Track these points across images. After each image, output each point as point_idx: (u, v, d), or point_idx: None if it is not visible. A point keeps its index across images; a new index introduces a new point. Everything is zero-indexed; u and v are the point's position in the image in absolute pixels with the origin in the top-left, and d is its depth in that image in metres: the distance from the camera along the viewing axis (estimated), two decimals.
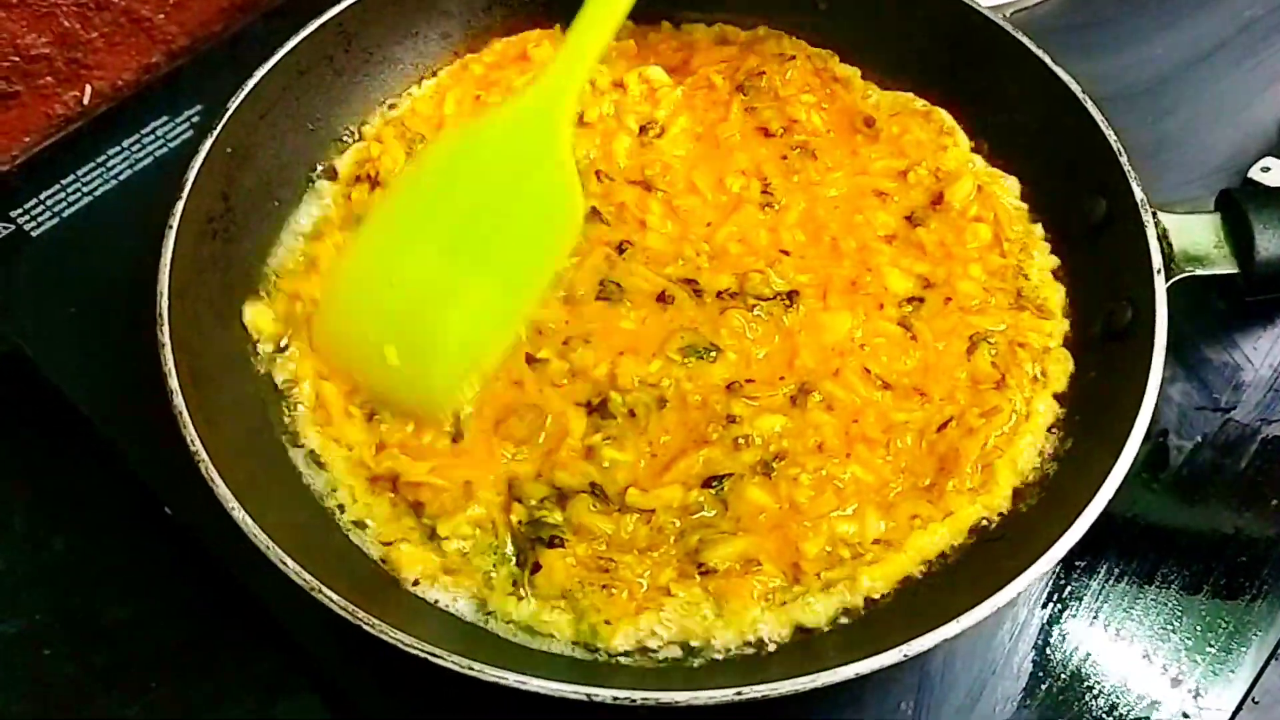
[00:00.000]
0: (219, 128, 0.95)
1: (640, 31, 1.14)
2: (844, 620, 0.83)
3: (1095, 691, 0.89)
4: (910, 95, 1.10)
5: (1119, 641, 0.91)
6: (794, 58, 1.11)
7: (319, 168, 1.06)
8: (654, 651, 0.81)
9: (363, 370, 0.92)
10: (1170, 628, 0.91)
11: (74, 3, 1.13)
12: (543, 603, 0.83)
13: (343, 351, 0.93)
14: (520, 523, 0.85)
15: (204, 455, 0.78)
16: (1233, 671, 0.89)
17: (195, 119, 1.17)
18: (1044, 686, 0.89)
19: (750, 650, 0.81)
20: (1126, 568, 0.94)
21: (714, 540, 0.84)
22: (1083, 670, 0.89)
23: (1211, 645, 0.90)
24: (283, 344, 0.95)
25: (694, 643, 0.82)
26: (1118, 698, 0.88)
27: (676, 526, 0.85)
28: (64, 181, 1.13)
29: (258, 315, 0.96)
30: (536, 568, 0.83)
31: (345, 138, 1.08)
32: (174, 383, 0.82)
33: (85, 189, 1.13)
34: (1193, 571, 0.94)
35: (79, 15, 1.15)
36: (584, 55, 0.93)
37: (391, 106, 1.11)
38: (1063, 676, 0.89)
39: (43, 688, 0.90)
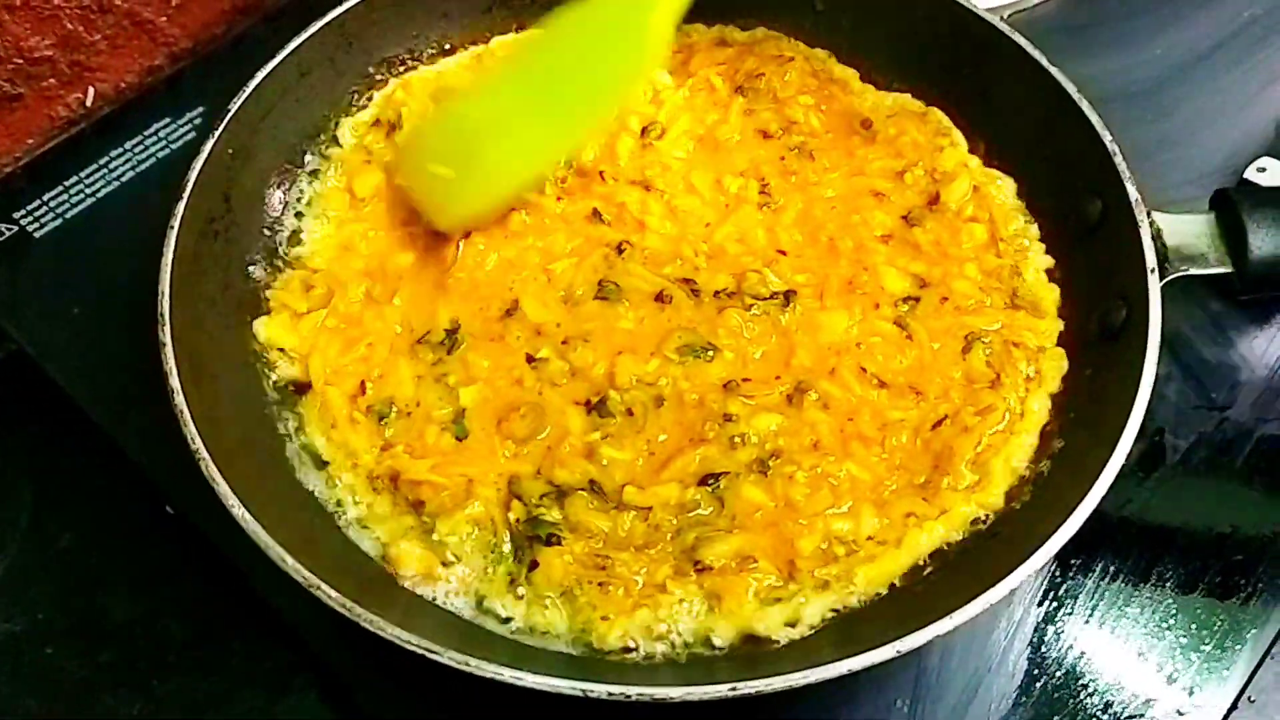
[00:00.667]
0: (221, 128, 0.95)
1: None
2: (839, 617, 0.83)
3: (1090, 689, 0.89)
4: (907, 96, 1.10)
5: (1114, 639, 0.91)
6: (792, 59, 1.12)
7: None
8: (649, 648, 0.81)
9: (416, 182, 1.01)
10: (1165, 625, 0.91)
11: (77, 5, 1.14)
12: (540, 600, 0.83)
13: (409, 172, 1.02)
14: (519, 520, 0.86)
15: (205, 454, 0.79)
16: (1227, 669, 0.89)
17: (197, 121, 1.18)
18: (1039, 684, 0.89)
19: (745, 646, 0.82)
20: (1122, 566, 0.94)
21: (710, 538, 0.85)
22: (1078, 668, 0.90)
23: (1206, 643, 0.91)
24: (287, 349, 0.96)
25: (689, 639, 0.82)
26: (1112, 695, 0.88)
27: (673, 524, 0.86)
28: (67, 183, 1.14)
29: (267, 326, 0.97)
30: (534, 565, 0.83)
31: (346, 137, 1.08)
32: (175, 382, 0.82)
33: (88, 190, 1.14)
34: (1188, 570, 0.94)
35: (82, 18, 1.16)
36: None
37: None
38: (1057, 674, 0.89)
39: (48, 685, 0.90)
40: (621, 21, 0.97)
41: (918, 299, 0.98)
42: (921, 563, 0.86)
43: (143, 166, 1.16)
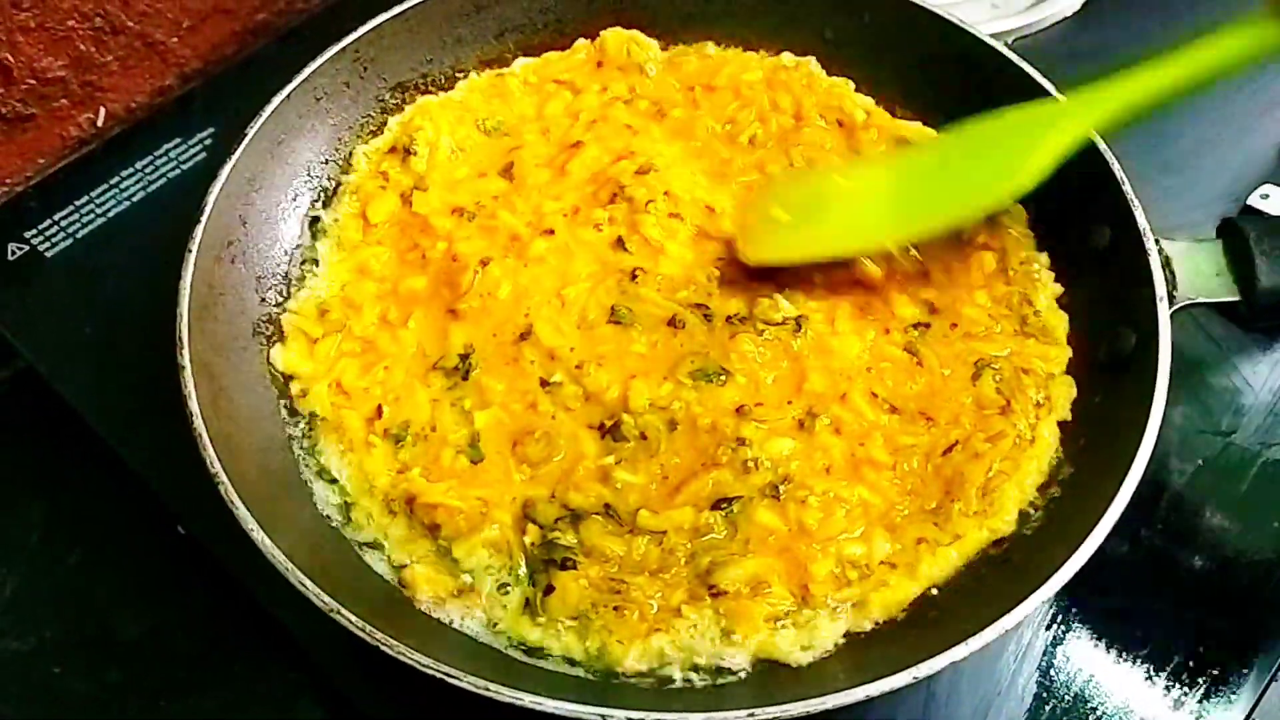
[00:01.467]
0: (238, 152, 0.96)
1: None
2: (852, 640, 0.84)
3: (1099, 713, 0.89)
4: (919, 125, 1.11)
5: (1121, 663, 0.91)
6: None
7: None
8: (664, 672, 0.82)
9: (752, 218, 1.03)
10: (1172, 649, 0.91)
11: (90, 27, 1.15)
12: (555, 623, 0.83)
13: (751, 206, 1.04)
14: (534, 544, 0.86)
15: (223, 477, 0.79)
16: (1234, 693, 0.89)
17: (208, 141, 1.19)
18: (1048, 708, 0.89)
19: (760, 669, 0.82)
20: (1130, 590, 0.94)
21: (724, 562, 0.85)
22: (1086, 692, 0.90)
23: (1213, 667, 0.91)
24: (302, 381, 0.96)
25: (704, 663, 0.82)
26: (1120, 718, 0.89)
27: (687, 548, 0.86)
28: (78, 202, 1.14)
29: (283, 352, 0.97)
30: (550, 589, 0.84)
31: (361, 163, 1.09)
32: (194, 405, 0.82)
33: (99, 210, 1.14)
34: (1195, 594, 0.95)
35: (94, 39, 1.17)
36: (1122, 99, 0.95)
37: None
38: (1066, 698, 0.90)
39: (56, 703, 0.90)
40: (1011, 141, 0.98)
41: (928, 325, 0.98)
42: (935, 588, 0.86)
43: (153, 187, 1.16)
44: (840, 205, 1.02)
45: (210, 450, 0.80)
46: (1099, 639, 0.92)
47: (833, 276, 1.00)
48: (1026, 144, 0.96)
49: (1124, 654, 0.92)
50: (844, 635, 0.84)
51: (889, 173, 1.03)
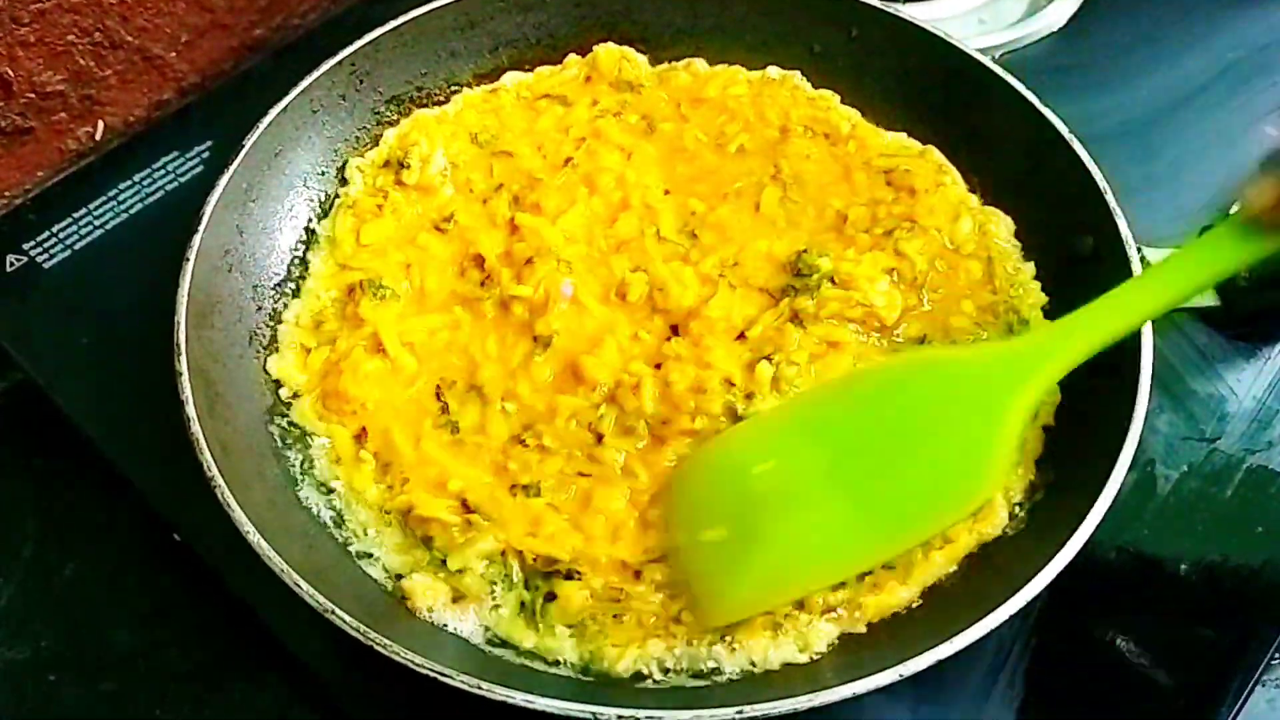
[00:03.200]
0: (235, 163, 0.96)
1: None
2: (843, 641, 0.85)
3: (1084, 715, 0.90)
4: (904, 136, 1.12)
5: (1106, 667, 0.92)
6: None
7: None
8: (659, 674, 0.82)
9: (676, 534, 0.85)
10: (1157, 654, 0.92)
11: (89, 41, 1.16)
12: (551, 629, 0.84)
13: (670, 511, 0.87)
14: (536, 558, 0.86)
15: (220, 481, 0.79)
16: (1219, 697, 0.90)
17: (205, 155, 1.19)
18: (1033, 710, 0.90)
19: (752, 671, 0.83)
20: (1115, 594, 0.95)
21: None
22: (1071, 694, 0.91)
23: (1197, 670, 0.91)
24: (298, 390, 0.96)
25: (698, 666, 0.83)
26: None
27: None
28: (76, 215, 1.14)
29: (278, 365, 0.97)
30: (551, 596, 0.84)
31: (355, 176, 1.09)
32: (191, 410, 0.83)
33: (97, 222, 1.14)
34: (1180, 599, 0.95)
35: (94, 53, 1.17)
36: (1096, 335, 0.82)
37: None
38: (1053, 699, 0.90)
39: (50, 715, 0.90)
40: (976, 398, 0.82)
41: (924, 338, 0.99)
42: (923, 591, 0.87)
43: (151, 199, 1.16)
44: (782, 504, 0.83)
45: (207, 454, 0.81)
46: (1084, 642, 0.93)
47: None
48: (994, 402, 0.81)
49: (1108, 657, 0.92)
50: (835, 637, 0.85)
51: (824, 442, 0.84)
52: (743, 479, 0.85)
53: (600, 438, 0.91)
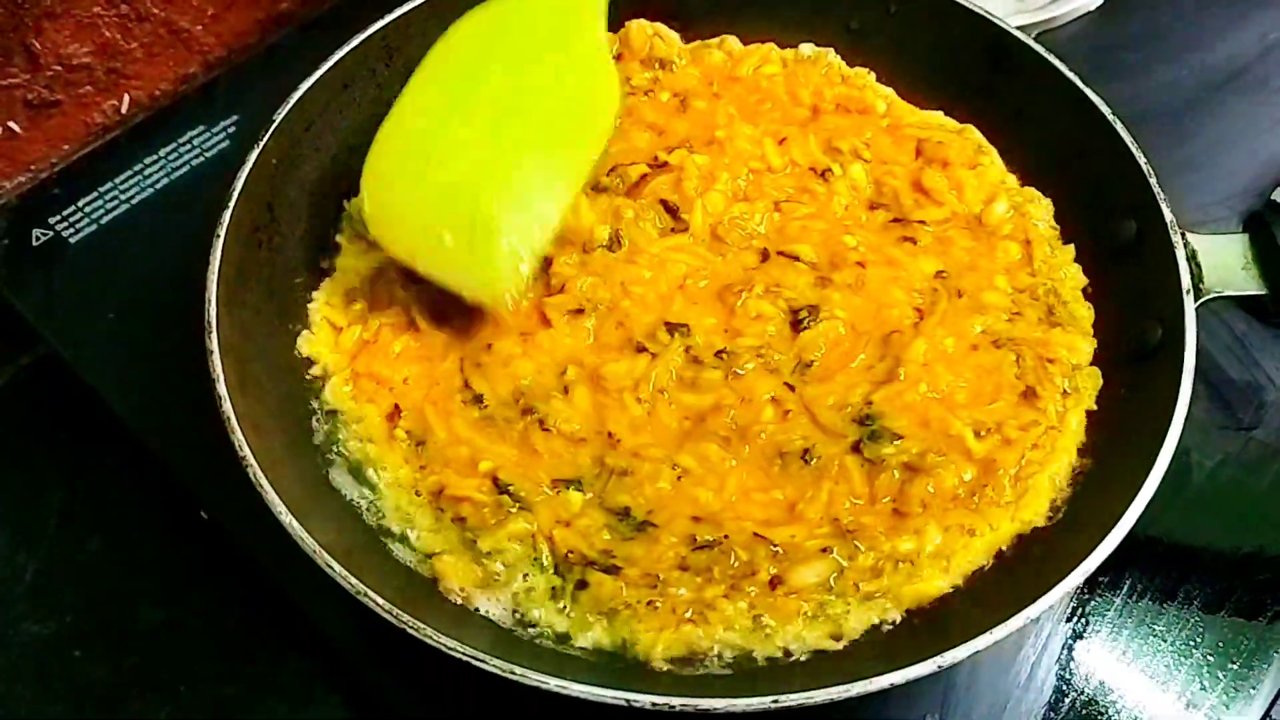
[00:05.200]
0: (265, 138, 0.95)
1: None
2: (878, 629, 0.84)
3: (1116, 707, 0.89)
4: (941, 114, 1.11)
5: (1140, 658, 0.91)
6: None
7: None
8: (691, 661, 0.81)
9: (420, 255, 0.92)
10: (1191, 645, 0.92)
11: (116, 14, 1.15)
12: (583, 614, 0.83)
13: (398, 237, 0.93)
14: (570, 552, 0.85)
15: (252, 461, 0.79)
16: (1253, 689, 0.90)
17: (231, 129, 1.19)
18: (1066, 700, 0.89)
19: (786, 658, 0.82)
20: (1149, 585, 0.95)
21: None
22: (1105, 686, 0.90)
23: (1232, 663, 0.91)
24: (329, 369, 0.96)
25: (733, 653, 0.82)
26: (1139, 713, 0.89)
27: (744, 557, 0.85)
28: (102, 189, 1.15)
29: (309, 343, 0.96)
30: (583, 584, 0.83)
31: None
32: (222, 389, 0.82)
33: (123, 197, 1.15)
34: (1214, 589, 0.95)
35: (120, 26, 1.17)
36: None
37: None
38: (1085, 692, 0.90)
39: (75, 689, 0.91)
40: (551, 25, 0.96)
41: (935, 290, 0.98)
42: (961, 580, 0.86)
43: (177, 174, 1.16)
44: (498, 185, 0.92)
45: (239, 433, 0.80)
46: (1118, 634, 0.92)
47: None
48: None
49: (1142, 649, 0.92)
50: (871, 625, 0.83)
51: (466, 104, 0.95)
52: (433, 175, 0.93)
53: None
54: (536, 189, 0.93)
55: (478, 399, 0.92)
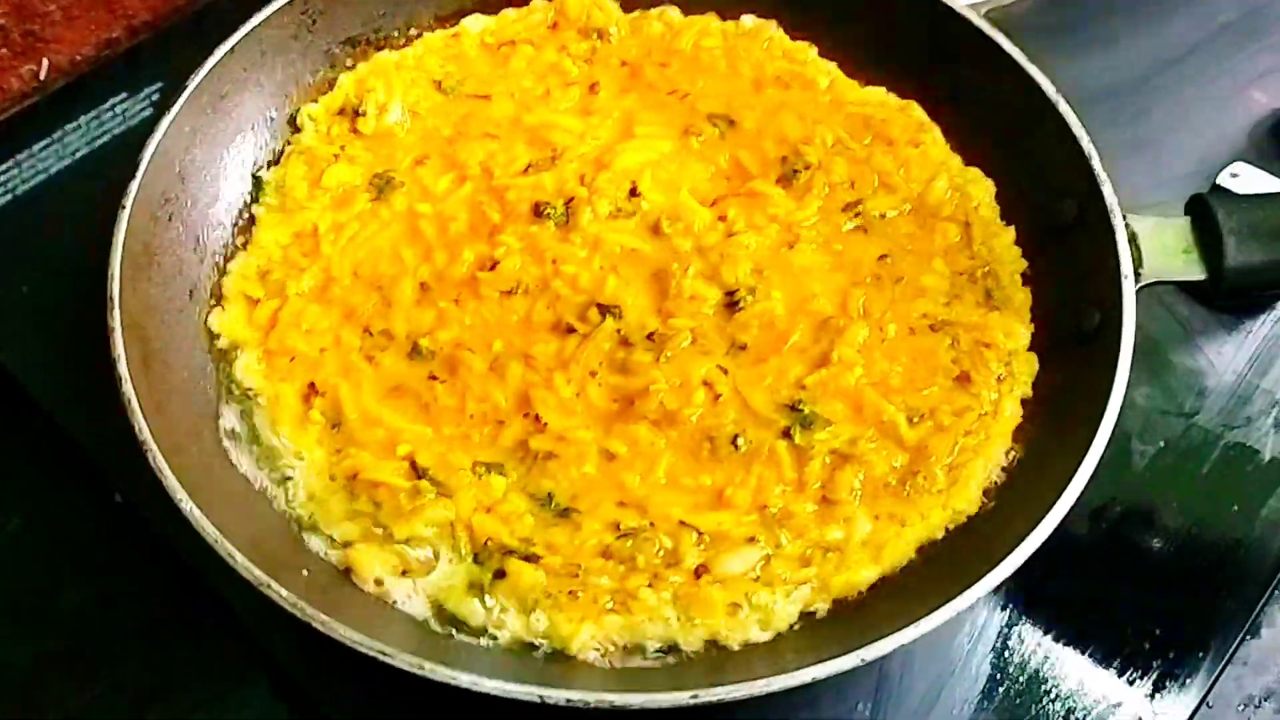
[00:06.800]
0: (178, 105, 0.93)
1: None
2: (806, 621, 0.83)
3: (1053, 694, 0.89)
4: (883, 91, 1.09)
5: (1077, 644, 0.91)
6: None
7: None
8: (613, 652, 0.81)
9: None
10: (1128, 631, 0.91)
11: None
12: (502, 604, 0.81)
13: None
14: (489, 540, 0.84)
15: (152, 445, 0.77)
16: (1189, 677, 0.89)
17: (155, 97, 1.16)
18: (1001, 689, 0.89)
19: (714, 649, 0.81)
20: (1087, 570, 0.94)
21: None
22: (1040, 673, 0.90)
23: (1169, 649, 0.90)
24: (241, 346, 0.94)
25: (657, 644, 0.81)
26: (1075, 701, 0.89)
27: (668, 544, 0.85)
28: (19, 157, 1.12)
29: (219, 319, 0.94)
30: (500, 573, 0.82)
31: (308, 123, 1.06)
32: (123, 369, 0.80)
33: (40, 166, 1.12)
34: (1152, 576, 0.94)
35: None
36: None
37: None
38: (1020, 679, 0.89)
39: None
40: None
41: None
42: (892, 569, 0.85)
43: (98, 142, 1.14)
44: None
45: (139, 415, 0.78)
46: (1054, 621, 0.92)
47: None
48: None
49: (1079, 636, 0.91)
50: (797, 616, 0.83)
51: None
52: None
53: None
54: None
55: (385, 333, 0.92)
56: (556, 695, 0.69)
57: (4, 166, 1.11)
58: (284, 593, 0.72)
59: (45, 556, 0.94)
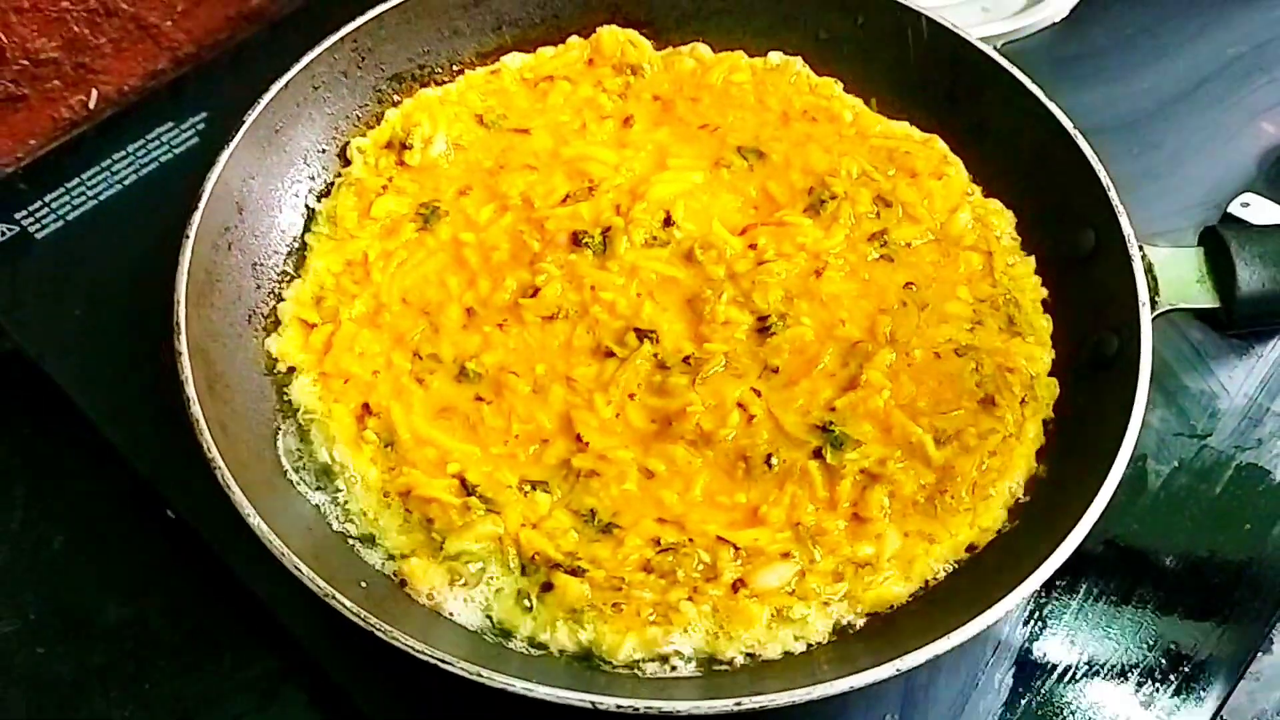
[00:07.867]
0: (236, 140, 0.96)
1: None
2: (840, 633, 0.85)
3: (1072, 708, 0.90)
4: (907, 125, 1.12)
5: (1096, 660, 0.92)
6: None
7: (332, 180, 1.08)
8: (656, 663, 0.82)
9: None
10: (1145, 647, 0.93)
11: (84, 8, 1.14)
12: (550, 616, 0.83)
13: None
14: (536, 554, 0.86)
15: (220, 463, 0.79)
16: (1204, 690, 0.91)
17: (200, 126, 1.18)
18: (1023, 702, 0.90)
19: (751, 660, 0.83)
20: (1104, 588, 0.96)
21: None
22: (1059, 688, 0.91)
23: (1184, 665, 0.92)
24: (298, 369, 0.96)
25: (697, 656, 0.83)
26: (1094, 714, 0.90)
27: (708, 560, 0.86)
28: (68, 185, 1.14)
29: (277, 343, 0.97)
30: (548, 586, 0.84)
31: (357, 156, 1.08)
32: (191, 391, 0.82)
33: (90, 193, 1.14)
34: (1167, 593, 0.96)
35: (88, 20, 1.16)
36: None
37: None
38: (1041, 693, 0.91)
39: (39, 686, 0.90)
40: None
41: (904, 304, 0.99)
42: (921, 585, 0.87)
43: (145, 170, 1.16)
44: None
45: (207, 435, 0.80)
46: (1074, 636, 0.93)
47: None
48: None
49: (1098, 651, 0.93)
50: (832, 629, 0.85)
51: None
52: None
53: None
54: None
55: (434, 357, 0.95)
56: (607, 702, 0.71)
57: (55, 194, 1.13)
58: (347, 603, 0.73)
59: (89, 572, 0.95)
